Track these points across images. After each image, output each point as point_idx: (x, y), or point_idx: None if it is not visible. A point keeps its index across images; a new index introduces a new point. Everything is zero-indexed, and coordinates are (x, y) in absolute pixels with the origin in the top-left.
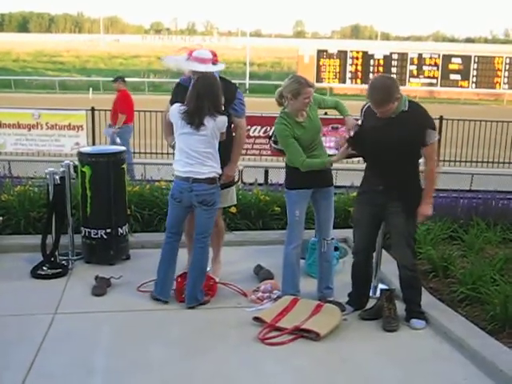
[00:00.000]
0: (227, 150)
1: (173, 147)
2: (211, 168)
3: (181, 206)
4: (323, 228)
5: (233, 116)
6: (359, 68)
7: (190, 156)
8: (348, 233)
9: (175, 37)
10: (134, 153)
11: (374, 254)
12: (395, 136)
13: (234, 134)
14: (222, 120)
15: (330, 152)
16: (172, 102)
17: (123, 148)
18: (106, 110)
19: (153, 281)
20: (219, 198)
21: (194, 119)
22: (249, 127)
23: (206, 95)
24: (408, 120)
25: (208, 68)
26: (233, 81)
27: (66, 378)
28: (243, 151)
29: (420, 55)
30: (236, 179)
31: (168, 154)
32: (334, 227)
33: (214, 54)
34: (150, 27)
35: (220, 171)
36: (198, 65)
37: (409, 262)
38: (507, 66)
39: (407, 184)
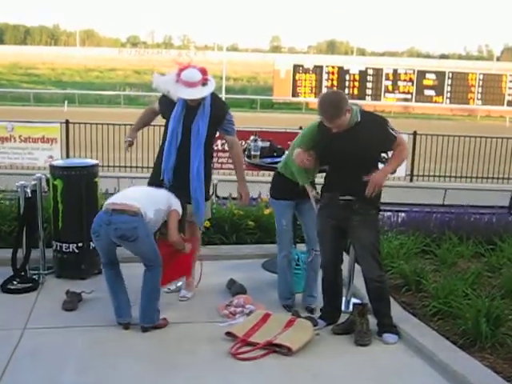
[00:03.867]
0: (208, 167)
1: (125, 142)
2: (140, 203)
3: (101, 241)
4: (311, 238)
5: (225, 135)
6: (335, 83)
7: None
8: None
9: (152, 50)
10: (108, 166)
11: (347, 269)
12: (353, 149)
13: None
14: (176, 200)
15: None
16: (160, 103)
17: (96, 161)
18: (80, 123)
19: None
20: (145, 230)
21: None
22: (224, 141)
23: None
24: (364, 131)
25: (198, 93)
26: None
27: None
28: (218, 165)
29: (395, 71)
30: (210, 194)
31: (142, 167)
32: None
33: (204, 72)
34: (126, 40)
35: (144, 213)
36: (186, 90)
37: (375, 274)
38: (481, 82)
39: (367, 196)
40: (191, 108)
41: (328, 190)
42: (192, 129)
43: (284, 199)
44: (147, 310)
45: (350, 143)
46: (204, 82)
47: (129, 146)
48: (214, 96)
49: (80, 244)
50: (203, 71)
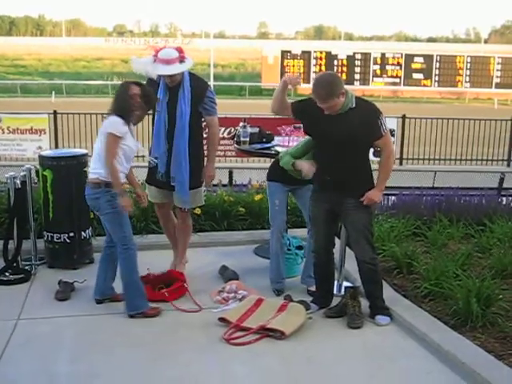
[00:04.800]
0: (197, 150)
1: None
2: (95, 173)
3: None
4: None
5: (204, 115)
6: (323, 68)
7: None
8: None
9: (138, 39)
10: None
11: (338, 252)
12: (344, 132)
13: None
14: (107, 122)
15: None
16: None
17: (85, 151)
18: (68, 114)
19: None
20: (107, 204)
21: None
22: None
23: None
24: (356, 117)
25: (176, 69)
26: None
27: None
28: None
29: (383, 55)
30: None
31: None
32: (300, 226)
33: (181, 51)
34: (112, 30)
35: (105, 178)
36: (164, 67)
37: (368, 257)
38: (468, 65)
39: (360, 180)
40: (173, 91)
41: (319, 175)
42: (176, 111)
43: (277, 181)
44: (129, 296)
45: (340, 127)
46: (181, 60)
47: None
48: (193, 76)
49: (71, 234)
50: (180, 50)
